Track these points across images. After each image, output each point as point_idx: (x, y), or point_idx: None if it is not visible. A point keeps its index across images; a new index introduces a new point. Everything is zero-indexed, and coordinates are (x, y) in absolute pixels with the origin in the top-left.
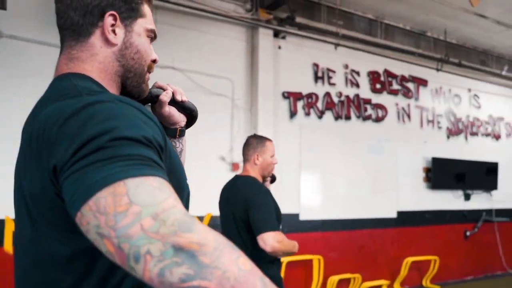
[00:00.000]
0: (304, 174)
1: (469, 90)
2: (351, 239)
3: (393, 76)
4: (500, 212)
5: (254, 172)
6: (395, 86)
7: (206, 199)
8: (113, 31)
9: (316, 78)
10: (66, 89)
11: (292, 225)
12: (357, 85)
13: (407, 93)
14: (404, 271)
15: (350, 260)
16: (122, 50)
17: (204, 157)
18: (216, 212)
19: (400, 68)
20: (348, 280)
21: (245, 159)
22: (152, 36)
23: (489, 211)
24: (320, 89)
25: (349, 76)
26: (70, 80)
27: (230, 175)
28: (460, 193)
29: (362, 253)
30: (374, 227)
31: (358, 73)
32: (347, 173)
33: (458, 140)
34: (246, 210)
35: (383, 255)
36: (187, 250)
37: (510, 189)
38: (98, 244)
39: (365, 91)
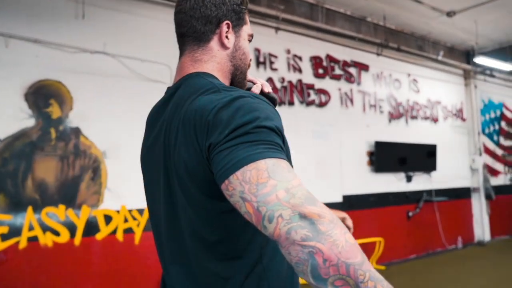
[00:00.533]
0: None
1: (409, 75)
2: None
3: (335, 61)
4: (439, 192)
5: None
6: (338, 71)
7: None
8: (227, 37)
9: (258, 63)
10: (205, 85)
11: None
12: (300, 70)
13: (349, 78)
14: None
15: None
16: (233, 52)
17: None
18: None
19: (342, 53)
20: None
21: None
22: (250, 39)
23: (429, 192)
24: (262, 75)
25: (292, 61)
26: (204, 78)
27: None
28: (402, 175)
29: None
30: None
31: (300, 58)
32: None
33: (399, 123)
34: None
35: None
36: (309, 218)
37: (447, 170)
38: (239, 205)
39: (308, 76)
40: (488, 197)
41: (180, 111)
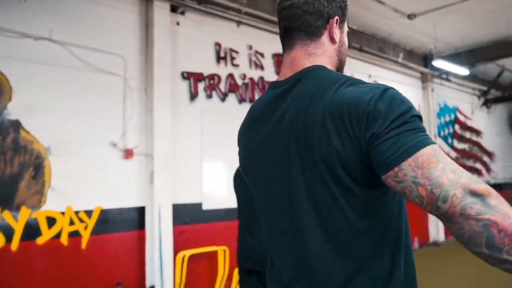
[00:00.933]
0: (207, 161)
1: (370, 76)
2: None
3: None
4: None
5: None
6: None
7: (95, 191)
8: (335, 32)
9: (219, 58)
10: (339, 78)
11: (194, 215)
12: (262, 67)
13: None
14: None
15: None
16: (339, 47)
17: (92, 144)
18: (107, 205)
19: None
20: None
21: None
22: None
23: None
24: (223, 70)
25: (253, 58)
26: (328, 71)
27: (123, 164)
28: None
29: None
30: None
31: (262, 55)
32: None
33: None
34: None
35: None
36: (480, 195)
37: None
38: (409, 190)
39: (270, 74)
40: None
41: (317, 103)
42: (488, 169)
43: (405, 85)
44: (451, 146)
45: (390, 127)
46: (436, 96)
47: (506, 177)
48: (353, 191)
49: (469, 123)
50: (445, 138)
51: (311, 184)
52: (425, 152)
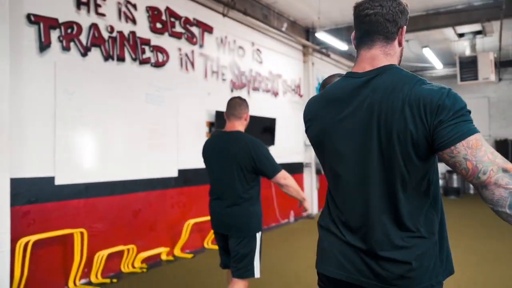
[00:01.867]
0: (61, 126)
1: (253, 43)
2: (123, 205)
3: (177, 16)
4: None
5: (241, 128)
6: (179, 29)
7: None
8: (403, 38)
9: (79, 3)
10: (413, 77)
11: (44, 192)
12: (134, 21)
13: (191, 38)
14: (185, 235)
15: (122, 230)
16: (401, 50)
17: None
18: None
19: (184, 8)
20: (120, 253)
21: (236, 116)
22: None
23: None
24: (85, 19)
25: (124, 8)
26: (404, 70)
27: None
28: None
29: (138, 220)
30: (152, 188)
31: (135, 7)
32: (118, 126)
33: (241, 94)
34: (252, 159)
35: (162, 219)
36: (509, 172)
37: (284, 145)
38: (459, 164)
39: (143, 30)
40: (318, 172)
41: (397, 94)
42: None
43: (287, 56)
44: None
45: (452, 117)
46: (316, 71)
47: None
48: (415, 163)
49: None
50: None
51: (384, 156)
52: (474, 138)
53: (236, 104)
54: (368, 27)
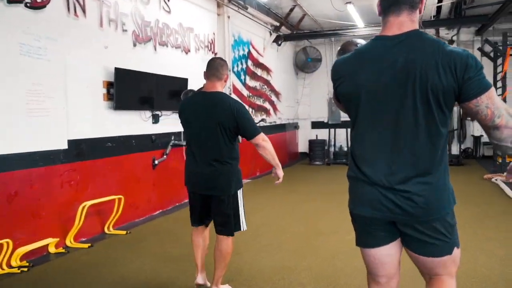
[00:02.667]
0: None
1: None
2: None
3: None
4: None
5: (221, 88)
6: None
7: None
8: (423, 7)
9: None
10: (437, 40)
11: None
12: None
13: None
14: (79, 220)
15: None
16: (421, 16)
17: None
18: None
19: None
20: None
21: (217, 77)
22: None
23: (178, 134)
24: None
25: None
26: (428, 35)
27: None
28: (148, 114)
29: (14, 206)
30: (32, 165)
31: None
32: None
33: (146, 49)
34: (235, 120)
35: (48, 204)
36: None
37: None
38: (481, 111)
39: None
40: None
41: (428, 53)
42: (275, 109)
43: (199, 7)
44: (243, 83)
45: (476, 74)
46: (232, 26)
47: (289, 117)
48: (444, 111)
49: (261, 59)
50: (238, 74)
51: (418, 104)
52: (492, 90)
53: (218, 65)
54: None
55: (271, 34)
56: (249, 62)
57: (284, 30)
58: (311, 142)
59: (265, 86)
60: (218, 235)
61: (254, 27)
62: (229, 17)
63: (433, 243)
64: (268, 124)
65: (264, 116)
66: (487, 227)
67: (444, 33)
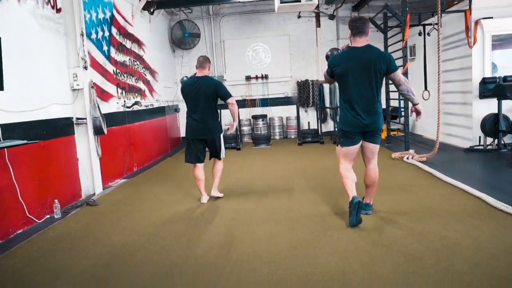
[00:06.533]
0: None
1: None
2: None
3: None
4: (11, 130)
5: (207, 73)
6: None
7: None
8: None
9: None
10: (376, 48)
11: None
12: None
13: None
14: None
15: None
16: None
17: None
18: None
19: None
20: None
21: (203, 68)
22: None
23: None
24: None
25: None
26: (373, 46)
27: None
28: None
29: None
30: None
31: None
32: None
33: None
34: (216, 91)
35: None
36: (407, 81)
37: (27, 90)
38: (398, 77)
39: None
40: (98, 131)
41: (375, 53)
42: (152, 90)
43: None
44: (107, 56)
45: (392, 62)
46: None
47: (168, 99)
48: (381, 78)
49: (130, 29)
50: (98, 43)
51: (373, 77)
52: (398, 69)
53: (203, 61)
54: (359, 30)
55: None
56: (114, 30)
57: None
58: None
59: (138, 62)
60: (214, 159)
61: None
62: None
63: (377, 137)
64: (144, 108)
65: (138, 99)
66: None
67: (323, 8)
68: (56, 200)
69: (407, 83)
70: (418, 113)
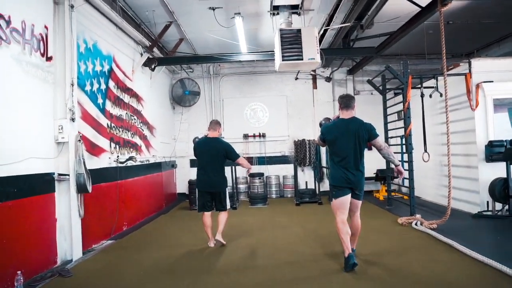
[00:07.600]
0: None
1: None
2: None
3: None
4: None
5: (218, 135)
6: None
7: None
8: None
9: None
10: (361, 120)
11: None
12: None
13: None
14: None
15: None
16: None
17: None
18: None
19: None
20: None
21: (216, 130)
22: None
23: None
24: None
25: None
26: (358, 118)
27: None
28: None
29: None
30: None
31: None
32: None
33: None
34: (226, 152)
35: None
36: (386, 144)
37: (5, 143)
38: (378, 144)
39: None
40: (81, 189)
41: (359, 125)
42: (148, 145)
43: None
44: (102, 109)
45: (373, 131)
46: (82, 27)
47: (165, 155)
48: (364, 144)
49: (129, 84)
50: (93, 96)
51: (357, 143)
52: (379, 136)
53: (216, 124)
54: (346, 104)
55: (142, 55)
56: (111, 84)
57: (158, 54)
58: (191, 183)
59: (135, 117)
60: (219, 211)
61: (119, 42)
62: (72, 7)
63: (360, 195)
64: (139, 163)
65: (133, 154)
66: None
67: (320, 71)
68: (18, 272)
69: (387, 148)
70: (399, 173)
